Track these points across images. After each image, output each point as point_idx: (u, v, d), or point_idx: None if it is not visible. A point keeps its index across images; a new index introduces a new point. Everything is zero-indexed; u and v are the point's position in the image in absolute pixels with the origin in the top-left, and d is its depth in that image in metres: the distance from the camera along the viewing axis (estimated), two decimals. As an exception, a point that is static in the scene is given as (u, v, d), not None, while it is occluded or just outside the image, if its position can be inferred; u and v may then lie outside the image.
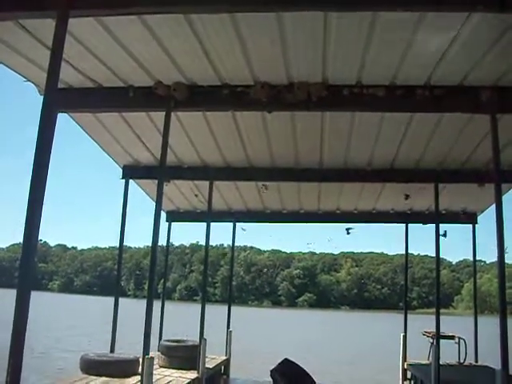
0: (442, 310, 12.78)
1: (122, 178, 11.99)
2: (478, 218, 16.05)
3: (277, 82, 7.84)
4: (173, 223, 16.44)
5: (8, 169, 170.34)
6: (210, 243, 13.80)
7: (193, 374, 11.48)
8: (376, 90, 7.84)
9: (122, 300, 12.33)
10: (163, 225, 15.61)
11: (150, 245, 8.13)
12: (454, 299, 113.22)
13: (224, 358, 15.40)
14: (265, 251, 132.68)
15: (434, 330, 12.10)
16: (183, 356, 12.21)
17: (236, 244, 18.08)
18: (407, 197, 13.62)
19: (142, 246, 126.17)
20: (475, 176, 11.43)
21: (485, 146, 9.28)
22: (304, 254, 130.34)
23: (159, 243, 8.30)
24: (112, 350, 11.35)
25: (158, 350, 12.65)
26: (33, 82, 8.14)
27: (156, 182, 8.68)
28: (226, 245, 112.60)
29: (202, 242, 14.08)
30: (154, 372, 8.56)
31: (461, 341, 15.49)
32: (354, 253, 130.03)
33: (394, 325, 24.33)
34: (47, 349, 20.74)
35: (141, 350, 7.92)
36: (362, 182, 12.38)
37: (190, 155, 11.49)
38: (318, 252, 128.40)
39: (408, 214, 16.16)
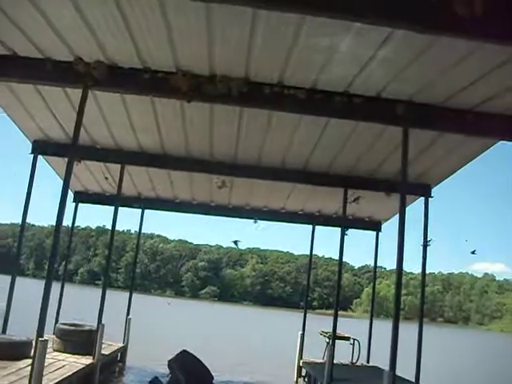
0: (340, 312, 13.17)
1: (31, 153, 11.58)
2: (382, 226, 16.60)
3: (199, 72, 7.81)
4: (80, 204, 16.06)
5: None
6: (117, 228, 13.58)
7: (88, 360, 11.26)
8: (297, 92, 7.96)
9: (19, 279, 11.94)
10: (70, 205, 15.23)
11: (54, 224, 7.91)
12: (354, 302, 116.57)
13: (121, 345, 15.19)
14: (172, 240, 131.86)
15: (331, 331, 12.42)
16: (79, 341, 11.95)
17: (143, 231, 17.85)
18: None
19: (46, 225, 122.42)
20: (384, 185, 11.81)
21: (395, 158, 9.58)
22: (211, 246, 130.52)
23: (64, 224, 8.09)
24: (4, 331, 10.97)
25: (54, 334, 12.33)
26: None
27: (66, 160, 8.43)
28: (133, 231, 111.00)
29: (109, 226, 13.81)
30: (48, 356, 8.33)
31: (355, 342, 16.00)
32: (260, 249, 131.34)
33: (293, 323, 24.74)
34: None
35: (35, 332, 7.69)
36: (273, 180, 12.51)
37: (103, 136, 11.24)
38: (224, 246, 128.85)
39: (316, 215, 16.50)
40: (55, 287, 8.19)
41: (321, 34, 6.43)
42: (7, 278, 11.58)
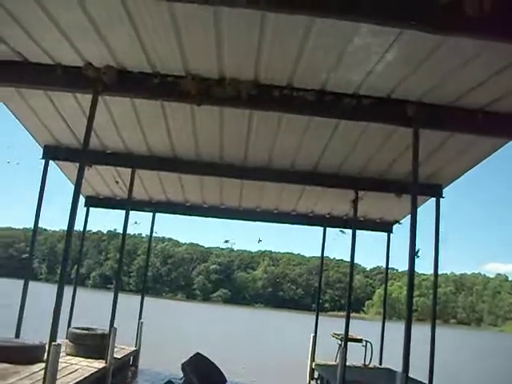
0: (352, 314, 13.14)
1: (42, 159, 11.64)
2: (393, 227, 16.55)
3: (208, 75, 7.82)
4: (92, 208, 16.14)
5: None
6: (128, 232, 13.63)
7: (100, 364, 11.29)
8: (306, 94, 7.95)
9: (32, 283, 11.99)
10: (81, 209, 15.30)
11: (66, 229, 7.94)
12: (366, 304, 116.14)
13: (133, 348, 15.21)
14: (183, 244, 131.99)
15: (343, 333, 12.40)
16: (92, 344, 11.98)
17: (154, 235, 17.91)
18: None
19: (57, 230, 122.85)
20: (394, 186, 11.78)
21: (405, 159, 9.55)
22: (222, 249, 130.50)
23: (76, 228, 8.12)
24: (17, 335, 11.02)
25: (67, 338, 12.38)
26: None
27: (77, 165, 8.47)
28: (144, 234, 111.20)
29: (120, 230, 13.86)
30: (61, 360, 8.35)
31: (367, 344, 15.95)
32: (271, 252, 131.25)
33: (305, 325, 24.71)
34: None
35: (48, 336, 7.72)
36: (283, 182, 12.52)
37: (114, 141, 11.29)
38: (235, 249, 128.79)
39: (326, 217, 16.46)
40: (67, 291, 8.21)
41: (330, 35, 6.42)
42: (20, 283, 11.63)
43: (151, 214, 17.00)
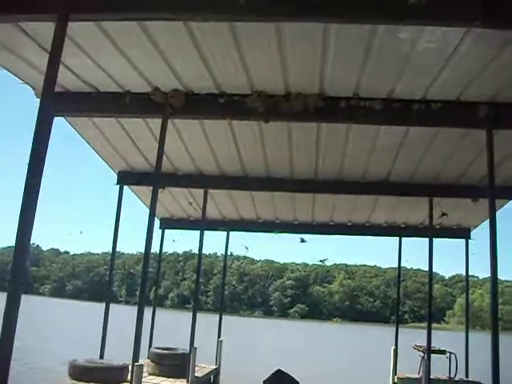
0: (433, 325, 12.77)
1: (117, 184, 11.96)
2: (472, 232, 16.07)
3: (274, 91, 7.85)
4: (167, 230, 16.41)
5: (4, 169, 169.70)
6: (204, 252, 13.77)
7: (182, 383, 11.42)
8: (373, 103, 7.85)
9: (113, 306, 12.27)
10: (157, 232, 15.58)
11: (143, 251, 8.11)
12: (446, 314, 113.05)
13: (214, 367, 15.32)
14: (258, 261, 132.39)
15: (425, 344, 12.08)
16: (173, 364, 12.16)
17: (229, 253, 18.04)
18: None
19: (134, 253, 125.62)
20: (469, 191, 11.46)
21: (480, 162, 9.29)
22: (297, 264, 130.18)
23: (152, 250, 8.28)
24: (101, 356, 11.29)
25: (148, 358, 12.59)
26: (29, 85, 8.13)
27: (150, 188, 8.66)
28: (219, 254, 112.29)
29: (196, 251, 14.03)
30: (143, 379, 8.51)
31: (452, 356, 15.45)
32: (347, 265, 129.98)
33: (385, 338, 24.28)
34: (35, 352, 20.60)
35: (130, 357, 7.88)
36: (356, 194, 12.38)
37: (185, 163, 11.48)
38: (310, 263, 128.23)
39: (401, 227, 16.16)
40: (147, 312, 8.36)
41: (393, 42, 6.34)
42: (102, 306, 11.92)
43: (225, 232, 17.11)
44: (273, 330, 64.23)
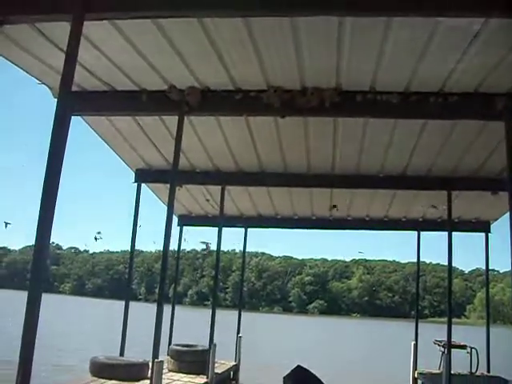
0: (454, 320, 12.69)
1: (135, 182, 12.02)
2: (492, 226, 15.92)
3: (290, 87, 7.83)
4: (185, 227, 16.45)
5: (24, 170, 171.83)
6: (222, 248, 13.79)
7: (202, 379, 11.46)
8: (390, 97, 7.80)
9: (132, 303, 12.34)
10: (175, 229, 15.62)
11: (162, 249, 8.13)
12: (466, 308, 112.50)
13: (233, 363, 15.35)
14: (276, 257, 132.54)
15: (445, 339, 12.00)
16: (193, 361, 12.20)
17: (247, 250, 18.04)
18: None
19: (153, 251, 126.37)
20: (489, 184, 11.36)
21: (499, 154, 9.20)
22: (316, 260, 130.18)
23: (171, 248, 8.30)
24: (122, 354, 11.36)
25: (168, 355, 12.64)
26: (47, 85, 8.19)
27: (168, 186, 8.68)
28: (237, 250, 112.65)
29: (214, 247, 14.06)
30: (164, 376, 8.55)
31: (473, 350, 15.34)
32: (365, 260, 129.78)
33: (404, 333, 24.18)
34: (56, 350, 20.78)
35: (150, 354, 7.92)
36: (373, 188, 12.33)
37: (202, 160, 11.50)
38: (329, 259, 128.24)
39: (420, 221, 16.07)
40: (166, 310, 8.40)
41: (409, 34, 6.29)
42: (121, 304, 12.00)
43: (243, 229, 17.11)
44: (292, 325, 64.24)
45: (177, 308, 15.25)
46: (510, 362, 7.18)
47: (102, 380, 9.88)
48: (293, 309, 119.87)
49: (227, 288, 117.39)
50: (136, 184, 12.01)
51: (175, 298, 16.26)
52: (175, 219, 16.04)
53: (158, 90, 8.13)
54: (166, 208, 8.26)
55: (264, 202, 15.01)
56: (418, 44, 6.49)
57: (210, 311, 12.52)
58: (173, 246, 11.70)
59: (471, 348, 15.34)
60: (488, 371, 15.43)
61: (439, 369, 14.32)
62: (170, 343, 13.71)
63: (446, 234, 11.92)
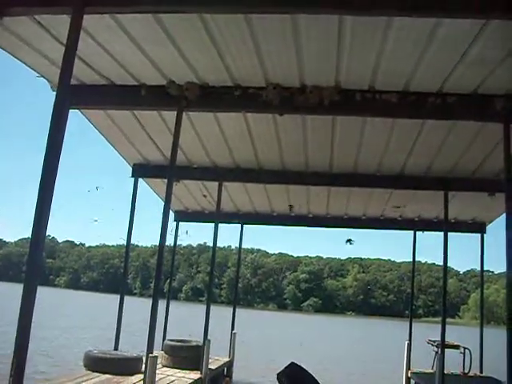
0: (447, 320, 12.71)
1: (132, 177, 12.01)
2: (487, 227, 15.96)
3: (289, 84, 7.82)
4: (181, 223, 16.45)
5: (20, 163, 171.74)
6: (218, 244, 13.79)
7: (196, 375, 11.46)
8: (388, 96, 7.80)
9: (127, 298, 12.33)
10: (171, 224, 15.63)
11: (158, 244, 8.14)
12: (461, 309, 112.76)
13: (227, 359, 15.37)
14: (272, 254, 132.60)
15: (439, 339, 12.03)
16: (187, 356, 12.19)
17: (243, 246, 18.06)
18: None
19: (149, 245, 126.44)
20: (485, 185, 11.38)
21: (496, 155, 9.22)
22: (311, 258, 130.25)
23: (166, 243, 8.30)
24: (116, 348, 11.36)
25: (162, 350, 12.65)
26: (45, 78, 8.17)
27: (165, 181, 8.68)
28: (233, 246, 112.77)
29: (210, 243, 14.07)
30: (157, 371, 8.56)
31: (466, 351, 15.39)
32: (361, 259, 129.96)
33: (398, 332, 24.23)
34: (50, 343, 20.77)
35: (145, 349, 7.92)
36: (370, 187, 12.34)
37: (199, 155, 11.49)
38: (325, 257, 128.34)
39: (416, 221, 16.09)
40: (161, 305, 8.40)
41: (409, 34, 6.28)
42: (116, 298, 12.00)
43: (239, 225, 17.12)
44: (286, 323, 64.32)
45: (172, 303, 15.26)
46: (503, 363, 7.16)
47: (96, 374, 9.88)
48: (287, 306, 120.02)
49: (222, 284, 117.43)
50: (133, 179, 12.00)
51: (170, 293, 16.28)
52: (172, 215, 16.05)
53: (156, 84, 8.12)
54: (163, 203, 8.26)
55: (261, 199, 15.01)
56: (418, 44, 6.49)
57: (205, 307, 12.53)
58: (169, 241, 11.65)
59: (464, 348, 15.38)
60: (481, 372, 15.49)
61: (432, 368, 14.36)
62: (164, 338, 13.72)
63: (442, 233, 11.97)
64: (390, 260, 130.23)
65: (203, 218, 16.57)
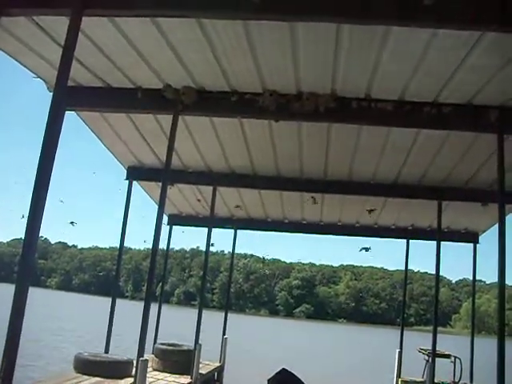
0: (439, 329, 12.72)
1: (126, 179, 11.99)
2: (480, 237, 15.99)
3: (286, 91, 7.84)
4: (174, 227, 16.44)
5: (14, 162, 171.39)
6: (211, 249, 13.77)
7: (186, 379, 11.43)
8: (384, 105, 7.83)
9: (119, 301, 12.29)
10: (164, 228, 15.60)
11: (151, 247, 8.13)
12: (452, 318, 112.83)
13: (218, 364, 15.33)
14: (265, 260, 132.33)
15: (430, 348, 12.05)
16: (177, 360, 12.17)
17: (236, 251, 18.03)
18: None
19: (142, 248, 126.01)
20: (479, 195, 11.41)
21: (490, 166, 9.26)
22: (304, 264, 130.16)
23: (159, 246, 8.29)
24: (106, 351, 11.33)
25: (153, 353, 12.61)
26: (42, 79, 8.17)
27: (160, 184, 8.68)
28: (226, 251, 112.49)
29: (203, 248, 14.07)
30: (148, 375, 8.52)
31: (456, 360, 15.40)
32: (353, 266, 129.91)
33: (390, 340, 24.23)
34: (40, 346, 20.70)
35: (135, 352, 7.90)
36: (364, 195, 12.36)
37: (194, 159, 11.49)
38: (317, 264, 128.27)
39: (409, 230, 16.12)
40: (153, 309, 8.38)
41: (406, 44, 6.32)
42: (108, 300, 11.96)
43: (232, 230, 17.11)
44: (278, 329, 64.23)
45: (164, 307, 15.22)
46: (493, 373, 7.18)
47: (86, 377, 9.83)
48: (279, 312, 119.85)
49: (215, 289, 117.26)
50: (127, 181, 11.98)
51: (162, 297, 16.24)
52: (165, 218, 16.04)
53: (153, 88, 8.12)
54: (156, 206, 8.26)
55: (255, 205, 15.01)
56: (415, 54, 6.53)
57: (197, 311, 12.51)
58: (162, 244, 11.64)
59: (455, 357, 15.39)
60: (471, 381, 15.48)
61: (423, 377, 14.38)
62: (155, 342, 13.69)
63: (434, 243, 12.00)
64: (382, 268, 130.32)
65: (197, 222, 16.55)
